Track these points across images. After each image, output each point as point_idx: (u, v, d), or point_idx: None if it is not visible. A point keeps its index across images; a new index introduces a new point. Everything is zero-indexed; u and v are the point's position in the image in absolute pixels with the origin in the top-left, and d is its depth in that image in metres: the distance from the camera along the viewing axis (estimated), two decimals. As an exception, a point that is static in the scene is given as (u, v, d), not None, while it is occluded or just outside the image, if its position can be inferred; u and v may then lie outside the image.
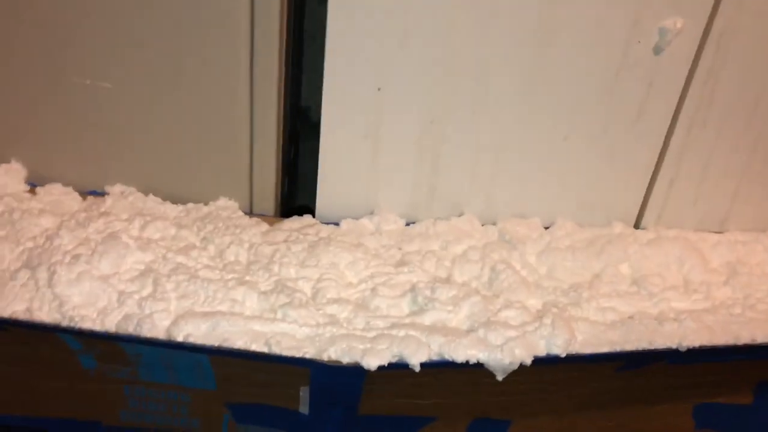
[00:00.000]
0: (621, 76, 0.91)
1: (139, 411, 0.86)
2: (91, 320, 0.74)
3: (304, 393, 0.82)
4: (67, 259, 0.79)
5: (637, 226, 1.03)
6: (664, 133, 0.96)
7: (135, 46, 0.87)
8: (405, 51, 0.88)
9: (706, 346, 0.81)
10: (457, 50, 0.88)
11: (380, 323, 0.80)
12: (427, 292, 0.84)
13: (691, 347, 0.80)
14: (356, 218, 1.00)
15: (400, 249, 0.95)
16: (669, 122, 0.95)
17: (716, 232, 1.03)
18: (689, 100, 0.93)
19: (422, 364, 0.75)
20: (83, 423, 0.87)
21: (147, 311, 0.75)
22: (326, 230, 0.96)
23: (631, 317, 0.85)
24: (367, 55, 0.88)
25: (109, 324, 0.74)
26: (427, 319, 0.81)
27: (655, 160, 0.98)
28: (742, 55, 0.90)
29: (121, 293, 0.77)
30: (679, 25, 0.86)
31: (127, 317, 0.75)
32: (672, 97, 0.93)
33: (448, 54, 0.88)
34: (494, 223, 1.01)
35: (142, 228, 0.88)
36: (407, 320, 0.81)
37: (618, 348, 0.80)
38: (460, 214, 1.01)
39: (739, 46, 0.89)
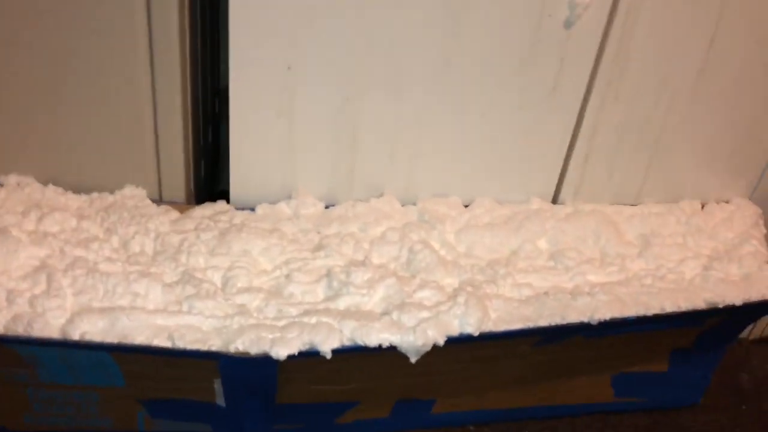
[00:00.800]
0: (534, 51, 0.90)
1: (45, 414, 0.82)
2: (-25, 323, 0.69)
3: (217, 386, 0.79)
4: (-51, 258, 0.74)
5: (555, 201, 1.04)
6: (578, 108, 0.96)
7: (26, 27, 0.81)
8: (314, 28, 0.85)
9: (617, 318, 0.82)
10: (369, 26, 0.86)
11: (293, 311, 0.78)
12: (343, 276, 0.83)
13: (602, 320, 0.81)
14: (273, 203, 0.97)
15: (318, 233, 0.93)
16: (582, 97, 0.95)
17: (631, 205, 1.04)
18: (601, 75, 0.94)
19: (334, 351, 0.74)
20: (-14, 428, 0.82)
21: (39, 310, 0.71)
22: (240, 216, 0.93)
23: (546, 293, 0.85)
24: (276, 33, 0.84)
25: (-3, 325, 0.70)
26: (342, 303, 0.79)
27: (570, 135, 0.99)
28: (649, 30, 0.91)
29: (10, 292, 0.73)
30: (587, -1, 0.86)
31: (16, 317, 0.70)
32: (584, 72, 0.93)
33: (359, 30, 0.86)
34: (414, 203, 1.00)
35: (39, 221, 0.83)
36: (321, 306, 0.79)
37: (531, 324, 0.80)
38: (380, 195, 1.00)
39: (647, 20, 0.90)
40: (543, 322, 0.80)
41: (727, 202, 1.06)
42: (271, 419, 0.87)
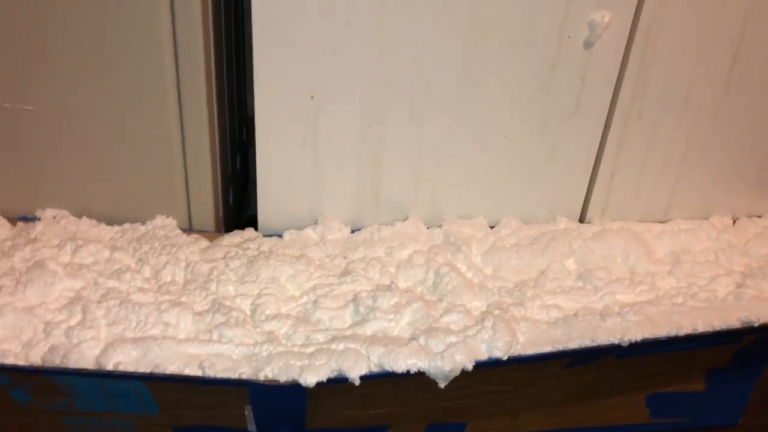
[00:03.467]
0: (555, 72, 0.91)
1: (82, 441, 0.83)
2: (14, 354, 0.71)
3: (248, 412, 0.80)
4: (-11, 291, 0.76)
5: (582, 220, 1.03)
6: (602, 127, 0.96)
7: (54, 66, 0.85)
8: (336, 57, 0.86)
9: (648, 339, 0.81)
10: (390, 53, 0.87)
11: (320, 337, 0.78)
12: (369, 302, 0.83)
13: (633, 341, 0.80)
14: (300, 228, 0.98)
15: (345, 257, 0.94)
16: (605, 115, 0.95)
17: (660, 222, 1.03)
18: (623, 93, 0.93)
19: (362, 377, 0.74)
20: (25, 457, 0.84)
21: (75, 341, 0.73)
22: (268, 243, 0.94)
23: (575, 314, 0.84)
24: (298, 63, 0.86)
25: (35, 357, 0.72)
26: (369, 329, 0.80)
27: (595, 153, 0.98)
28: (670, 47, 0.90)
29: (47, 324, 0.75)
30: (606, 19, 0.86)
31: (53, 348, 0.72)
32: (606, 91, 0.93)
33: (380, 58, 0.87)
34: (440, 225, 1.00)
35: (74, 253, 0.85)
36: (348, 332, 0.79)
37: (560, 346, 0.79)
38: (405, 218, 1.00)
39: (667, 38, 0.90)
40: (572, 345, 0.79)
41: (759, 216, 1.04)
42: (302, 445, 0.88)
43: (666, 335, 0.81)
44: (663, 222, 1.03)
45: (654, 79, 0.92)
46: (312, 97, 0.89)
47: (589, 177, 1.00)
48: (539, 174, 0.99)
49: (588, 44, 0.89)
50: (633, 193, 1.02)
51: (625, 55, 0.90)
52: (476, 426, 0.95)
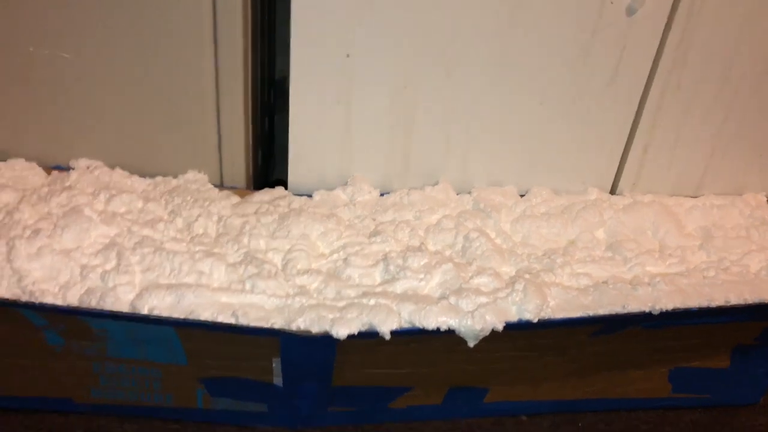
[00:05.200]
0: (595, 38, 0.89)
1: (110, 388, 0.84)
2: (52, 295, 0.72)
3: (276, 365, 0.81)
4: (27, 233, 0.77)
5: (613, 191, 1.03)
6: (639, 97, 0.95)
7: (92, 14, 0.84)
8: (374, 15, 0.86)
9: (679, 309, 0.80)
10: (427, 13, 0.86)
11: (351, 293, 0.78)
12: (399, 261, 0.83)
13: (664, 310, 0.80)
14: (330, 189, 0.98)
15: (374, 219, 0.94)
16: (643, 86, 0.94)
17: (692, 197, 1.02)
18: (663, 63, 0.92)
19: (392, 332, 0.74)
20: (54, 401, 0.85)
21: (110, 284, 0.74)
22: (298, 201, 0.94)
23: (605, 282, 0.84)
24: (335, 20, 0.86)
25: (71, 298, 0.73)
26: (399, 287, 0.80)
27: (630, 124, 0.97)
28: (714, 17, 0.89)
29: (83, 267, 0.76)
30: (651, -15, 0.85)
31: (89, 291, 0.73)
32: (646, 60, 0.92)
33: (417, 18, 0.87)
34: (469, 192, 1.00)
35: (108, 202, 0.86)
36: (379, 289, 0.80)
37: (591, 313, 0.79)
38: (435, 183, 1.00)
39: (712, 7, 0.88)
40: (603, 311, 0.79)
41: (793, 195, 1.03)
42: (326, 401, 0.88)
43: (698, 306, 0.81)
44: (695, 197, 1.02)
45: (696, 49, 0.91)
46: (348, 56, 0.89)
47: (622, 148, 0.99)
48: (572, 143, 0.98)
49: (631, 11, 0.87)
50: (666, 167, 1.01)
51: (667, 22, 0.89)
52: (497, 391, 0.95)
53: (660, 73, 0.93)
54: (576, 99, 0.94)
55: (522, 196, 1.00)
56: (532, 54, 0.90)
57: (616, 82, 0.93)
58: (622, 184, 1.02)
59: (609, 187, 1.02)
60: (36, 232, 0.78)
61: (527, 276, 0.82)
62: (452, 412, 0.95)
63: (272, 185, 1.00)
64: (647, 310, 0.80)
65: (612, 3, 0.87)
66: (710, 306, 0.81)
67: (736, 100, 0.96)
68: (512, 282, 0.80)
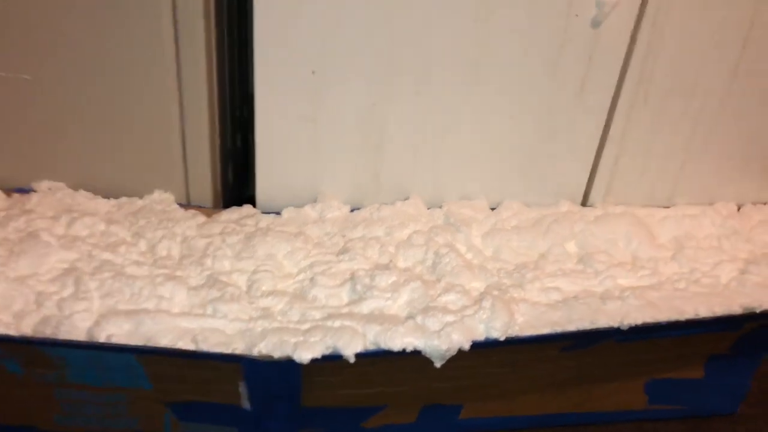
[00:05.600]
0: (561, 51, 0.89)
1: (74, 414, 0.82)
2: (5, 324, 0.70)
3: (242, 389, 0.79)
4: (-19, 261, 0.75)
5: (584, 203, 1.02)
6: (607, 109, 0.95)
7: (51, 35, 0.83)
8: (339, 32, 0.85)
9: (648, 323, 0.80)
10: (396, 30, 0.86)
11: (316, 314, 0.77)
12: (367, 280, 0.82)
13: (633, 324, 0.79)
14: (299, 206, 0.97)
15: (343, 236, 0.93)
16: (611, 97, 0.94)
17: (664, 207, 1.02)
18: (630, 75, 0.92)
19: (357, 355, 0.73)
20: (18, 428, 0.84)
21: (67, 312, 0.72)
22: (266, 220, 0.93)
23: (574, 297, 0.83)
24: (299, 37, 0.85)
25: (26, 327, 0.71)
26: (366, 307, 0.79)
27: (600, 136, 0.97)
28: (680, 29, 0.89)
29: (39, 294, 0.74)
30: (614, -3, 0.84)
31: (45, 319, 0.71)
32: (613, 72, 0.91)
33: (384, 34, 0.86)
34: (440, 206, 0.99)
35: (69, 225, 0.84)
36: (345, 310, 0.78)
37: (560, 329, 0.78)
38: (406, 198, 0.99)
39: (676, 20, 0.88)
40: (571, 327, 0.78)
41: (764, 203, 1.02)
42: (297, 423, 0.87)
43: (667, 320, 0.80)
44: (667, 207, 1.02)
45: (662, 62, 0.91)
46: (313, 73, 0.88)
47: (593, 160, 0.99)
48: (542, 156, 0.98)
49: (595, 23, 0.87)
50: (637, 178, 1.01)
51: (633, 35, 0.89)
52: (471, 408, 0.94)
53: (627, 85, 0.92)
54: (546, 112, 0.94)
55: (493, 209, 0.99)
56: (499, 69, 0.90)
57: (585, 95, 0.93)
58: (594, 195, 1.01)
59: (580, 199, 1.02)
60: (-9, 259, 0.76)
61: (495, 292, 0.81)
62: (427, 429, 0.94)
63: (248, 201, 0.99)
64: (616, 325, 0.79)
65: (577, 16, 0.87)
66: (680, 319, 0.80)
67: (703, 111, 0.96)
68: (480, 299, 0.79)
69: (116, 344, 0.71)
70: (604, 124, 0.96)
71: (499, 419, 0.96)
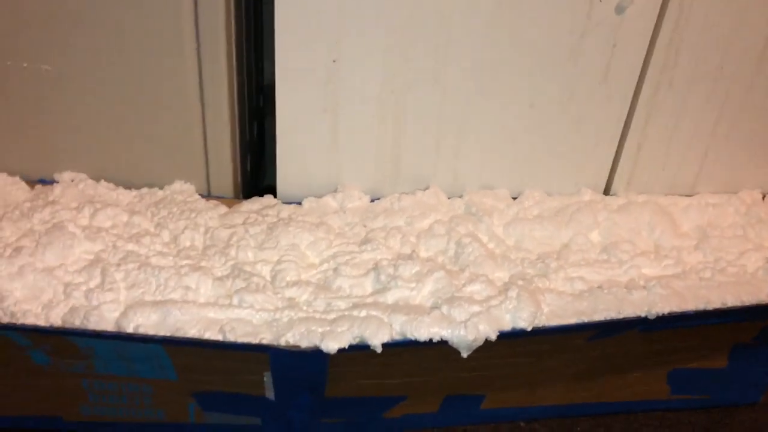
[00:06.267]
0: (584, 38, 0.88)
1: (100, 405, 0.83)
2: (34, 315, 0.71)
3: (267, 379, 0.79)
4: (8, 252, 0.75)
5: (606, 192, 1.01)
6: (630, 96, 0.94)
7: (72, 25, 0.83)
8: (360, 21, 0.84)
9: (675, 312, 0.79)
10: (415, 18, 0.85)
11: (341, 304, 0.77)
12: (390, 270, 0.82)
13: (660, 314, 0.78)
14: (319, 197, 0.97)
15: (364, 226, 0.93)
16: (635, 84, 0.93)
17: (687, 196, 1.01)
18: (654, 62, 0.90)
19: (384, 345, 0.73)
20: (44, 419, 0.84)
21: (95, 303, 0.72)
22: (287, 210, 0.93)
23: (599, 286, 0.83)
24: (321, 26, 0.84)
25: (55, 318, 0.71)
26: (390, 297, 0.78)
27: (623, 124, 0.96)
28: (706, 13, 0.87)
29: (67, 285, 0.74)
30: (640, -18, 0.83)
31: (73, 310, 0.72)
32: (637, 59, 0.90)
33: (405, 22, 0.85)
34: (461, 196, 0.98)
35: (92, 216, 0.84)
36: (369, 300, 0.78)
37: (586, 318, 0.78)
38: (426, 188, 0.99)
39: (701, 7, 0.86)
40: (598, 317, 0.78)
41: (790, 191, 1.01)
42: (320, 413, 0.87)
43: (694, 309, 0.79)
44: (690, 196, 1.01)
45: (687, 47, 0.89)
46: (334, 62, 0.87)
47: (615, 148, 0.98)
48: (564, 145, 0.97)
49: (620, 9, 0.86)
50: (660, 166, 1.00)
51: (657, 21, 0.87)
52: (494, 398, 0.94)
53: (651, 71, 0.91)
54: (567, 100, 0.93)
55: (514, 198, 0.99)
56: (521, 56, 0.89)
57: (608, 82, 0.92)
58: (616, 184, 1.00)
59: (603, 188, 1.01)
60: (17, 250, 0.76)
61: (520, 282, 0.81)
62: (449, 419, 0.94)
63: (263, 192, 0.99)
64: (643, 314, 0.78)
65: (601, 2, 0.86)
66: (707, 309, 0.80)
67: (728, 97, 0.94)
68: (505, 289, 0.79)
69: (145, 335, 0.71)
70: (627, 111, 0.95)
71: (521, 409, 0.96)
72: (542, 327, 0.76)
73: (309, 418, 0.87)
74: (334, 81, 0.89)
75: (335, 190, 0.98)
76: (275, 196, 0.97)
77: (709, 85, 0.93)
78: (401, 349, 0.76)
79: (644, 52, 0.90)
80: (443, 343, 0.75)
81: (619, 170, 0.99)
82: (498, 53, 0.88)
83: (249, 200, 0.95)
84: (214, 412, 0.87)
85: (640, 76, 0.92)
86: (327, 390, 0.83)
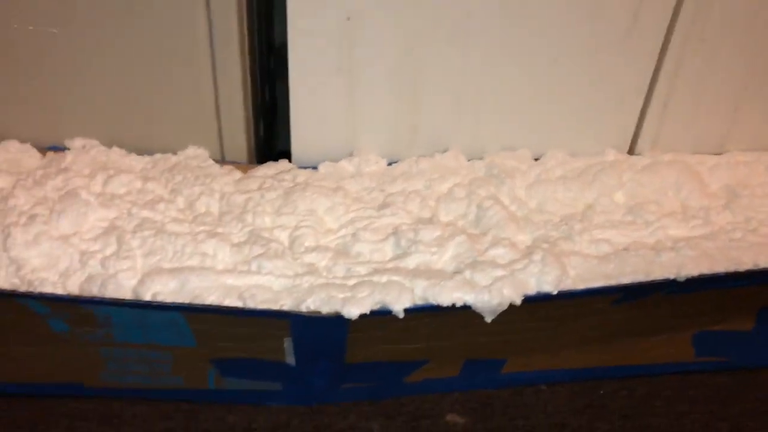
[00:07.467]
0: (610, -12, 0.84)
1: (120, 372, 0.83)
2: (51, 283, 0.70)
3: (288, 345, 0.79)
4: (23, 220, 0.74)
5: (631, 152, 0.98)
6: (658, 50, 0.90)
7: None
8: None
9: (705, 275, 0.77)
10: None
11: (362, 270, 0.76)
12: (411, 235, 0.80)
13: (690, 276, 0.76)
14: (335, 161, 0.94)
15: (382, 191, 0.91)
16: (663, 38, 0.89)
17: (715, 154, 0.97)
18: (684, 12, 0.86)
19: (406, 310, 0.72)
20: (66, 385, 0.84)
21: (111, 271, 0.71)
22: (303, 175, 0.91)
23: (626, 248, 0.81)
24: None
25: (72, 286, 0.70)
26: (411, 262, 0.77)
27: (649, 79, 0.92)
28: (741, -41, 0.83)
29: (83, 253, 0.73)
30: (672, -74, 0.79)
31: (90, 278, 0.71)
32: (665, 9, 0.86)
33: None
34: (481, 158, 0.96)
35: (105, 183, 0.83)
36: (390, 265, 0.77)
37: (613, 281, 0.76)
38: (445, 150, 0.96)
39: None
40: (625, 280, 0.76)
41: (823, 148, 0.98)
42: (340, 378, 0.87)
43: (725, 271, 0.77)
44: (718, 154, 0.97)
45: (719, -3, 0.85)
46: (348, 19, 0.84)
47: (641, 106, 0.95)
48: (588, 102, 0.94)
49: (649, -43, 0.82)
50: (686, 124, 0.96)
51: (689, -32, 0.83)
52: (515, 362, 0.93)
53: (681, 22, 0.87)
54: (591, 55, 0.89)
55: (536, 159, 0.96)
56: (542, 9, 0.85)
57: (634, 35, 0.88)
58: (641, 143, 0.97)
59: (627, 148, 0.98)
60: (32, 218, 0.75)
61: (545, 245, 0.79)
62: (469, 383, 0.94)
63: (277, 156, 0.97)
64: (672, 276, 0.76)
65: (629, -51, 0.81)
66: (738, 270, 0.78)
67: (761, 51, 0.90)
68: (529, 252, 0.77)
69: (164, 303, 0.70)
70: (654, 66, 0.91)
71: (543, 372, 0.95)
72: (568, 291, 0.75)
73: (329, 384, 0.87)
74: (348, 40, 0.85)
75: (351, 154, 0.95)
76: (290, 161, 0.95)
77: (740, 37, 0.89)
78: (423, 314, 0.75)
79: (674, 3, 0.86)
80: (466, 308, 0.74)
81: (644, 129, 0.96)
82: (518, 7, 0.85)
83: (264, 165, 0.93)
84: (234, 378, 0.86)
85: (668, 29, 0.88)
86: (347, 356, 0.82)
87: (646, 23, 0.87)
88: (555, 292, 0.74)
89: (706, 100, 0.95)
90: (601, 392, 0.94)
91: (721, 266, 0.78)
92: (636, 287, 0.77)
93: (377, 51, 0.87)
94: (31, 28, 0.82)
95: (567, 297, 0.75)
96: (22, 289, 0.69)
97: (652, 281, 0.76)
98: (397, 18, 0.84)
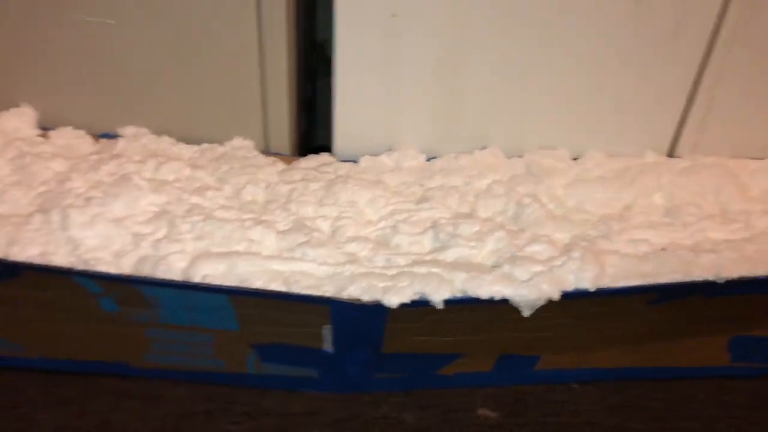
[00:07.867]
0: (656, -11, 0.84)
1: (164, 353, 0.86)
2: (106, 263, 0.73)
3: (326, 332, 0.81)
4: (80, 202, 0.77)
5: (671, 154, 0.98)
6: (702, 53, 0.90)
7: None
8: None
9: (745, 278, 0.77)
10: (477, -31, 0.82)
11: (401, 261, 0.77)
12: (450, 228, 0.81)
13: (729, 278, 0.76)
14: (375, 155, 0.96)
15: (421, 185, 0.92)
16: (707, 40, 0.88)
17: (757, 159, 0.97)
18: (730, 15, 0.86)
19: (445, 302, 0.73)
20: (111, 364, 0.87)
21: (163, 253, 0.74)
22: (344, 168, 0.93)
23: (664, 249, 0.81)
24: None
25: (125, 266, 0.73)
26: (450, 255, 0.78)
27: (691, 82, 0.92)
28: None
29: (135, 235, 0.76)
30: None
31: (142, 259, 0.73)
32: (710, 12, 0.86)
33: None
34: (520, 156, 0.97)
35: (156, 169, 0.86)
36: (429, 257, 0.78)
37: (651, 281, 0.76)
38: (484, 147, 0.97)
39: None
40: (664, 280, 0.76)
41: None
42: (375, 367, 0.88)
43: (766, 274, 0.77)
44: (760, 159, 0.97)
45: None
46: (393, 15, 0.86)
47: (682, 108, 0.94)
48: (628, 104, 0.94)
49: (696, -41, 0.82)
50: (728, 127, 0.96)
51: (736, -30, 0.83)
52: (549, 359, 0.93)
53: (726, 26, 0.87)
54: (633, 56, 0.90)
55: (575, 159, 0.97)
56: (585, 9, 0.86)
57: (678, 37, 0.88)
58: (681, 146, 0.97)
59: (666, 150, 0.98)
60: (88, 200, 0.78)
61: (583, 243, 0.79)
62: (502, 379, 0.94)
63: (315, 151, 0.99)
64: (711, 278, 0.76)
65: (676, -49, 0.82)
66: (779, 274, 0.77)
67: (809, 54, 0.90)
68: (568, 250, 0.78)
69: (211, 285, 0.72)
70: (697, 69, 0.91)
71: (575, 371, 0.95)
72: (605, 288, 0.75)
73: (364, 372, 0.88)
74: (394, 35, 0.87)
75: (390, 149, 0.97)
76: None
77: (787, 42, 0.89)
78: (461, 306, 0.76)
79: (719, 5, 0.86)
80: (503, 302, 0.75)
81: (685, 132, 0.96)
82: (561, 7, 0.85)
83: (306, 158, 0.96)
84: (273, 364, 0.89)
85: (713, 31, 0.88)
86: (384, 345, 0.84)
87: (691, 26, 0.87)
88: (593, 289, 0.75)
89: (748, 104, 0.94)
90: (633, 393, 0.94)
91: (761, 270, 0.77)
92: (674, 287, 0.77)
93: (420, 48, 0.88)
94: (89, 19, 0.86)
95: (605, 294, 0.76)
96: (79, 267, 0.72)
97: (691, 282, 0.77)
98: (441, 15, 0.86)
